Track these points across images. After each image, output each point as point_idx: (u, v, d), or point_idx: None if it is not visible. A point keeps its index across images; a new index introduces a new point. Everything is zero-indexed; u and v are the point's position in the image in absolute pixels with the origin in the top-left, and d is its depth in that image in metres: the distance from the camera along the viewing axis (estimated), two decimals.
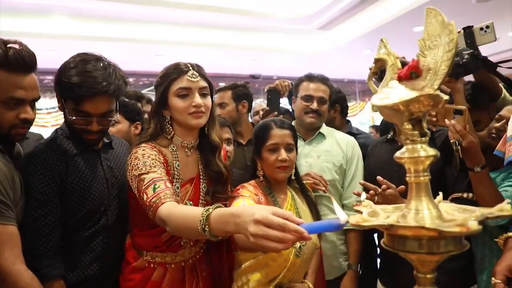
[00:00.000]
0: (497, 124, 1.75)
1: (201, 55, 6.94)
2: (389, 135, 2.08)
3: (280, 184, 1.73)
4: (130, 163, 1.40)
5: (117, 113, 1.61)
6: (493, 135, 1.76)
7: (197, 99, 1.46)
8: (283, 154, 1.64)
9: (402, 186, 1.60)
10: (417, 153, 0.69)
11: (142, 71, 8.21)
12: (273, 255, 1.52)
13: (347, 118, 3.01)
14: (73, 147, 1.53)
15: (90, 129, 1.49)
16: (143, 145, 1.46)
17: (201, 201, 1.54)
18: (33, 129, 2.02)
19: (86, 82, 1.39)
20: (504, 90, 1.99)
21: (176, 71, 1.48)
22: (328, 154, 2.18)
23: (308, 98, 2.19)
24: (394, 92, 0.70)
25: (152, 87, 1.57)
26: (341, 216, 0.78)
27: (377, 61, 0.78)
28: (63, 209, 1.46)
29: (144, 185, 1.28)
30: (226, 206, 1.34)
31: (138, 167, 1.35)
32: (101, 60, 1.49)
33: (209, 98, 1.52)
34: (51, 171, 1.44)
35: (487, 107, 1.92)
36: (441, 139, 1.84)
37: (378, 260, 2.26)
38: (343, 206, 2.14)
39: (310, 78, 2.26)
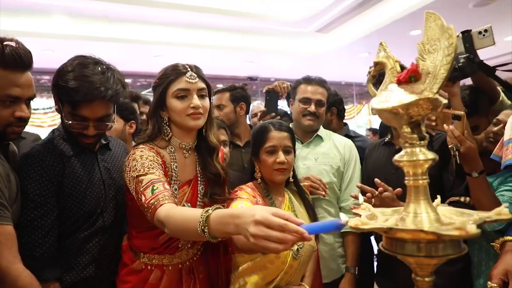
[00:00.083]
0: (495, 128, 1.76)
1: (199, 56, 6.93)
2: (387, 138, 2.09)
3: (278, 186, 1.72)
4: (128, 165, 1.39)
5: (114, 116, 1.60)
6: (490, 139, 1.76)
7: (195, 100, 1.46)
8: (281, 157, 1.64)
9: (399, 189, 1.60)
10: (415, 157, 0.70)
11: (140, 72, 8.20)
12: (271, 257, 1.52)
13: (344, 121, 3.02)
14: (70, 148, 1.53)
15: (86, 133, 1.48)
16: (141, 146, 1.46)
17: (199, 203, 1.53)
18: (29, 129, 2.02)
19: (83, 87, 1.38)
20: (502, 94, 2.00)
21: (174, 72, 1.48)
22: (326, 156, 2.18)
23: (306, 100, 2.20)
24: (393, 96, 0.70)
25: (151, 89, 1.57)
26: (343, 215, 0.78)
27: (376, 64, 0.78)
28: (59, 211, 1.45)
29: (142, 187, 1.28)
30: (224, 208, 1.33)
31: (136, 169, 1.34)
32: (100, 63, 1.48)
33: (207, 99, 1.52)
34: (47, 173, 1.43)
35: (487, 112, 1.92)
36: (439, 143, 1.84)
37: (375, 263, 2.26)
38: (340, 209, 2.15)
39: (308, 80, 2.26)
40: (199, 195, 1.55)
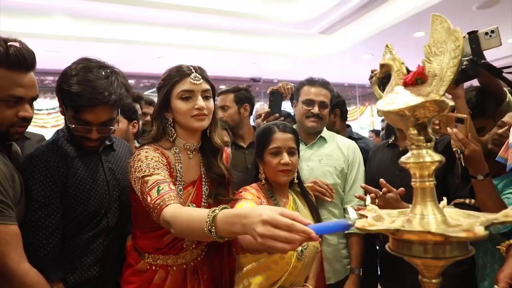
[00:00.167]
0: (500, 131, 1.75)
1: (202, 57, 6.95)
2: (390, 140, 2.09)
3: (282, 187, 1.73)
4: (133, 165, 1.40)
5: (117, 121, 1.60)
6: (495, 141, 1.76)
7: (200, 101, 1.46)
8: (285, 158, 1.65)
9: (402, 189, 1.61)
10: (422, 158, 0.70)
11: (143, 73, 8.23)
12: (275, 258, 1.52)
13: (347, 123, 3.02)
14: (74, 149, 1.53)
15: (90, 137, 1.49)
16: (145, 147, 1.46)
17: (203, 204, 1.54)
18: (32, 129, 2.03)
19: (86, 91, 1.38)
20: (508, 95, 1.99)
21: (178, 73, 1.48)
22: (329, 158, 2.18)
23: (309, 102, 2.20)
24: (399, 98, 0.71)
25: (154, 89, 1.58)
26: (352, 214, 0.78)
27: (382, 66, 0.78)
28: (63, 212, 1.46)
29: (148, 187, 1.28)
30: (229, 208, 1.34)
31: (142, 169, 1.34)
32: (104, 67, 1.48)
33: (211, 100, 1.53)
34: (52, 174, 1.43)
35: (494, 113, 1.91)
36: (443, 145, 1.84)
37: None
38: (344, 210, 2.15)
39: (311, 82, 2.26)
40: (204, 196, 1.55)
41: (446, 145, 1.78)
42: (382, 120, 4.85)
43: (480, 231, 0.57)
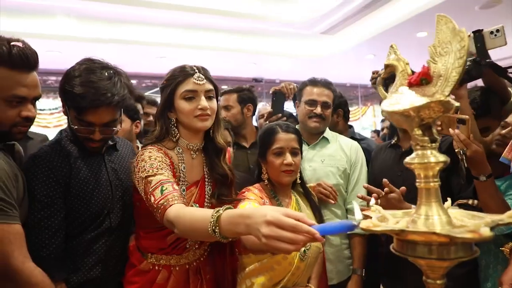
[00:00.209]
0: (503, 131, 1.75)
1: (204, 57, 6.96)
2: (393, 141, 2.08)
3: (285, 188, 1.73)
4: (137, 165, 1.40)
5: (120, 122, 1.60)
6: (498, 141, 1.75)
7: (203, 102, 1.46)
8: (288, 158, 1.65)
9: (403, 188, 1.61)
10: (427, 159, 0.70)
11: (144, 73, 8.25)
12: (278, 258, 1.52)
13: (350, 123, 3.02)
14: (77, 149, 1.53)
15: (92, 137, 1.49)
16: (149, 147, 1.46)
17: (206, 204, 1.54)
18: (35, 129, 2.03)
19: (89, 93, 1.38)
20: None
21: (182, 73, 1.48)
22: (332, 158, 2.18)
23: (312, 102, 2.19)
24: (404, 98, 0.71)
25: (155, 89, 1.58)
26: (358, 215, 0.77)
27: (387, 66, 0.78)
28: (66, 212, 1.46)
29: (151, 187, 1.28)
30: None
31: (145, 169, 1.35)
32: (107, 68, 1.48)
33: (214, 101, 1.53)
34: (55, 174, 1.43)
35: (498, 113, 1.90)
36: (446, 145, 1.84)
37: None
38: (346, 211, 2.15)
39: (313, 82, 2.26)
40: (207, 196, 1.55)
41: (449, 146, 1.77)
42: (382, 121, 4.85)
43: (486, 232, 0.57)
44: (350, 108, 3.03)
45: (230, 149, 2.05)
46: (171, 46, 6.50)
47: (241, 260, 1.61)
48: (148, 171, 1.34)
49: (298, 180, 1.76)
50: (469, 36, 1.70)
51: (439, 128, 1.66)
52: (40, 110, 7.29)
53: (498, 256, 1.69)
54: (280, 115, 2.43)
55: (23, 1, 5.11)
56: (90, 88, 1.38)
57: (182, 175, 1.49)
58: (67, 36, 5.83)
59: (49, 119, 8.06)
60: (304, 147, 2.14)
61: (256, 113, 2.90)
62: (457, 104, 0.65)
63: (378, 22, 5.89)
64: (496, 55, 1.80)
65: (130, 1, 5.05)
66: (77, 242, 1.48)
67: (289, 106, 2.75)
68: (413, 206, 1.57)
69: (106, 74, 1.45)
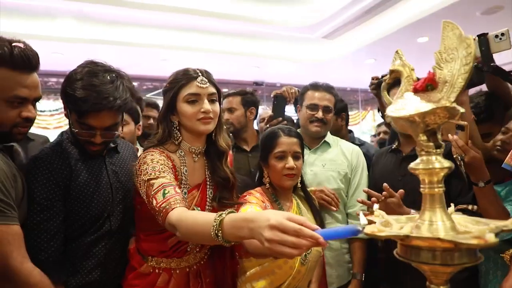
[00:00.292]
0: (503, 137, 1.75)
1: (205, 60, 6.97)
2: (394, 146, 2.09)
3: (286, 191, 1.73)
4: (139, 168, 1.40)
5: (122, 125, 1.59)
6: (498, 147, 1.75)
7: (206, 105, 1.46)
8: (290, 162, 1.65)
9: (401, 191, 1.62)
10: (432, 165, 0.70)
11: (146, 75, 8.25)
12: (279, 262, 1.52)
13: (350, 128, 3.03)
14: (78, 152, 1.52)
15: (93, 141, 1.47)
16: (151, 150, 1.46)
17: (207, 207, 1.54)
18: (35, 130, 2.02)
19: (90, 96, 1.37)
20: None
21: (185, 77, 1.48)
22: (333, 163, 2.18)
23: (313, 107, 2.20)
24: (409, 104, 0.71)
25: (157, 92, 1.57)
26: (362, 220, 0.77)
27: (392, 72, 0.79)
28: (66, 214, 1.44)
29: (154, 190, 1.28)
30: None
31: (147, 172, 1.34)
32: (110, 71, 1.46)
33: (217, 104, 1.53)
34: (55, 176, 1.42)
35: (501, 118, 1.90)
36: (446, 150, 1.84)
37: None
38: (347, 215, 2.15)
39: (315, 87, 2.26)
40: (208, 199, 1.55)
41: (449, 151, 1.78)
42: (378, 125, 4.84)
43: (491, 238, 0.57)
44: (350, 113, 3.04)
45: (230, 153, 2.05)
46: (173, 48, 6.50)
47: (241, 264, 1.60)
48: (150, 174, 1.33)
49: (298, 184, 1.76)
50: (474, 39, 1.69)
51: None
52: (41, 111, 7.28)
53: (497, 262, 1.69)
54: (280, 118, 2.44)
55: (25, 2, 5.12)
56: (92, 91, 1.37)
57: (184, 178, 1.49)
58: (69, 38, 5.83)
59: (49, 120, 8.04)
60: (305, 151, 2.14)
61: (257, 116, 2.90)
62: (462, 110, 0.66)
63: (379, 27, 5.90)
64: (502, 59, 1.80)
65: (132, 4, 5.06)
66: (76, 245, 1.47)
67: (289, 110, 2.75)
68: (412, 211, 1.59)
69: (109, 77, 1.43)
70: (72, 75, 1.43)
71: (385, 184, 1.64)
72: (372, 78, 2.59)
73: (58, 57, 6.55)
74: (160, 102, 1.61)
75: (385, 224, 0.76)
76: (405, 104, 0.71)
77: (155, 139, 1.53)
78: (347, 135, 2.83)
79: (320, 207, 1.91)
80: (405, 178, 1.86)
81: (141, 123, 2.61)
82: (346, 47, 6.86)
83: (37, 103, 1.44)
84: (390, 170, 2.02)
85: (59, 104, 7.18)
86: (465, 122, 1.58)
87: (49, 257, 1.38)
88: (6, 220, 1.25)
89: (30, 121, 1.40)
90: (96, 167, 1.55)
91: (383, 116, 2.95)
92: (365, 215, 0.83)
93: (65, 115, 1.52)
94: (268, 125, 2.36)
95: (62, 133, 1.60)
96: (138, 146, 2.53)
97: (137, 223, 1.60)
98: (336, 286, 2.06)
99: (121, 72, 1.51)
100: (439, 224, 0.68)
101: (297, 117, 2.65)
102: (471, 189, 1.70)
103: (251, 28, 6.30)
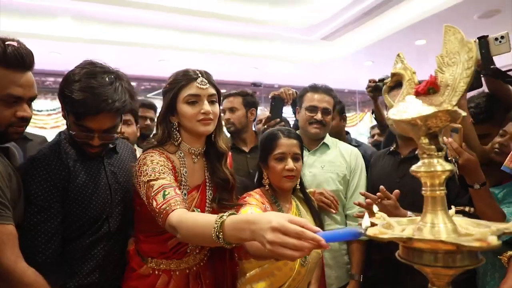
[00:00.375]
0: (501, 139, 1.76)
1: (204, 61, 6.97)
2: (392, 148, 2.09)
3: (286, 193, 1.73)
4: (138, 169, 1.39)
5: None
6: (496, 150, 1.76)
7: (206, 106, 1.46)
8: (290, 164, 1.65)
9: (397, 191, 1.63)
10: (433, 168, 0.70)
11: (144, 75, 8.23)
12: (279, 264, 1.52)
13: (346, 129, 3.04)
14: (76, 152, 1.50)
15: (91, 143, 1.46)
16: (151, 151, 1.46)
17: (207, 209, 1.54)
18: (32, 130, 2.01)
19: (88, 99, 1.34)
20: None
21: (185, 77, 1.48)
22: (332, 164, 2.18)
23: (313, 108, 2.20)
24: (411, 107, 0.71)
25: (155, 92, 1.57)
26: (365, 222, 0.78)
27: (393, 75, 0.79)
28: (64, 216, 1.43)
29: (153, 192, 1.28)
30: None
31: (147, 173, 1.34)
32: (108, 72, 1.44)
33: (217, 105, 1.53)
34: (52, 177, 1.40)
35: (501, 120, 1.91)
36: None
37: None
38: (346, 217, 2.15)
39: (314, 89, 2.27)
40: (208, 201, 1.55)
41: (446, 153, 1.79)
42: (372, 127, 4.85)
43: (494, 240, 0.58)
44: (348, 114, 3.06)
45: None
46: (171, 49, 6.50)
47: (241, 266, 1.60)
48: (150, 175, 1.33)
49: (298, 185, 1.76)
50: (474, 41, 1.70)
51: None
52: (38, 111, 7.23)
53: (495, 264, 1.70)
54: (278, 120, 2.44)
55: (23, 1, 5.10)
56: (89, 94, 1.35)
57: (183, 179, 1.49)
58: (67, 37, 5.81)
59: (47, 120, 8.00)
60: (305, 153, 2.15)
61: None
62: (464, 114, 0.66)
63: (377, 29, 5.92)
64: (501, 62, 1.81)
65: (130, 3, 5.05)
66: (74, 246, 1.45)
67: (286, 111, 2.76)
68: (409, 212, 1.60)
69: (107, 79, 1.41)
70: (70, 76, 1.41)
71: (381, 187, 1.65)
72: (369, 81, 2.60)
73: (55, 57, 6.52)
74: (159, 103, 1.60)
75: (386, 226, 0.76)
76: (407, 107, 0.72)
77: (154, 140, 1.52)
78: (345, 136, 2.84)
79: (319, 209, 1.91)
80: (403, 180, 1.87)
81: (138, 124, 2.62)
82: (344, 48, 6.88)
83: (34, 103, 1.43)
84: (388, 172, 2.02)
85: (56, 103, 7.13)
86: (459, 125, 1.59)
87: (47, 259, 1.37)
88: (0, 220, 1.23)
89: (25, 120, 1.38)
90: (94, 168, 1.53)
91: (376, 119, 2.97)
92: (358, 216, 0.83)
93: (63, 116, 1.50)
94: (265, 126, 2.37)
95: (60, 133, 1.58)
96: (135, 146, 2.53)
97: (137, 225, 1.59)
98: (335, 287, 2.07)
99: (120, 73, 1.49)
100: (441, 226, 0.68)
101: (293, 119, 2.66)
102: (467, 191, 1.71)
103: (249, 29, 6.30)
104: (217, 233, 1.01)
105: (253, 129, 2.87)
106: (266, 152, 1.70)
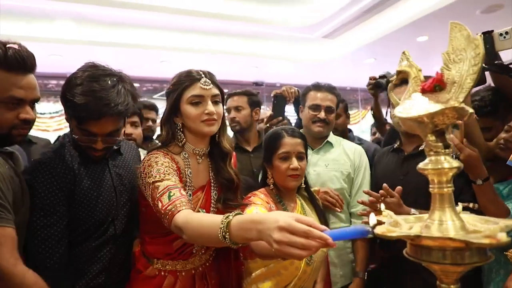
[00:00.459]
0: (506, 135, 1.75)
1: (205, 61, 6.96)
2: (395, 145, 2.09)
3: (290, 192, 1.73)
4: (143, 171, 1.39)
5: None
6: (501, 145, 1.76)
7: (210, 106, 1.46)
8: (294, 163, 1.65)
9: (399, 187, 1.64)
10: (440, 165, 0.70)
11: (146, 77, 8.23)
12: (285, 263, 1.52)
13: (349, 127, 3.04)
14: (81, 155, 1.49)
15: (95, 147, 1.45)
16: (155, 152, 1.46)
17: (212, 209, 1.53)
18: (35, 133, 2.01)
19: (90, 103, 1.33)
20: None
21: (188, 78, 1.48)
22: (336, 163, 2.18)
23: (316, 107, 2.20)
24: (418, 104, 0.71)
25: (157, 94, 1.57)
26: (372, 220, 0.78)
27: (399, 73, 0.79)
28: (70, 219, 1.42)
29: (159, 193, 1.28)
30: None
31: (152, 174, 1.34)
32: (111, 75, 1.42)
33: (221, 105, 1.53)
34: (58, 181, 1.39)
35: (505, 115, 1.90)
36: None
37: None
38: (350, 215, 2.15)
39: (317, 87, 2.27)
40: (213, 201, 1.55)
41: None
42: (373, 125, 4.83)
43: (503, 237, 0.58)
44: (350, 112, 3.06)
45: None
46: (173, 49, 6.49)
47: (247, 265, 1.60)
48: (155, 176, 1.33)
49: (302, 184, 1.76)
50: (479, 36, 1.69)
51: None
52: (41, 113, 7.24)
53: (500, 260, 1.69)
54: (280, 118, 2.44)
55: (23, 4, 5.11)
56: (92, 98, 1.33)
57: (188, 180, 1.49)
58: (68, 39, 5.81)
59: (49, 122, 8.01)
60: (308, 151, 2.14)
61: None
62: (471, 110, 0.66)
63: (378, 26, 5.91)
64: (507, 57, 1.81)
65: (131, 5, 5.05)
66: (80, 249, 1.45)
67: (289, 110, 2.76)
68: (412, 210, 1.59)
69: (110, 82, 1.39)
70: (72, 79, 1.40)
71: (384, 185, 1.65)
72: (370, 78, 2.59)
73: (57, 59, 6.53)
74: (161, 104, 1.60)
75: (393, 224, 0.76)
76: (413, 105, 0.72)
77: (158, 141, 1.52)
78: (347, 134, 2.84)
79: (323, 208, 1.91)
80: (407, 177, 1.87)
81: None
82: (346, 46, 6.86)
83: (37, 106, 1.42)
84: (392, 170, 2.02)
85: (59, 106, 7.14)
86: (460, 121, 1.59)
87: (55, 264, 1.36)
88: (0, 222, 1.22)
89: (29, 122, 1.37)
90: (99, 170, 1.53)
91: (374, 116, 2.96)
92: (361, 214, 0.83)
93: (66, 119, 1.50)
94: (268, 125, 2.37)
95: (64, 135, 1.58)
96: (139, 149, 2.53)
97: (142, 226, 1.59)
98: (340, 285, 2.07)
99: (123, 75, 1.48)
100: (449, 223, 0.68)
101: (295, 117, 2.66)
102: (471, 187, 1.70)
103: (250, 28, 6.29)
104: (223, 234, 1.01)
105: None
106: (271, 152, 1.70)
